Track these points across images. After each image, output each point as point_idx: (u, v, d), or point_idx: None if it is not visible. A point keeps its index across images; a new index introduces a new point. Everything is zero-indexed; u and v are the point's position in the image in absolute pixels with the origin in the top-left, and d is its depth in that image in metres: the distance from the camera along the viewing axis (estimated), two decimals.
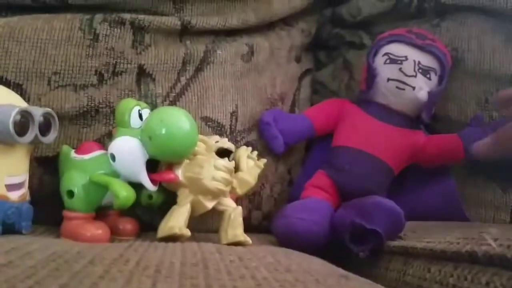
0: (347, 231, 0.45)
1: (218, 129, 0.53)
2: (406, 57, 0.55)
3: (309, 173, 0.58)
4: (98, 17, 0.50)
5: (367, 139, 0.55)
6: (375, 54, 0.57)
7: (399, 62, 0.55)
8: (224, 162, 0.46)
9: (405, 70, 0.55)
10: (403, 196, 0.55)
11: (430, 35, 0.58)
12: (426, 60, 0.55)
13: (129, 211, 0.48)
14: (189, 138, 0.43)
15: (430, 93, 0.54)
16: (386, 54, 0.56)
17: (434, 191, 0.58)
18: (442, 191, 0.57)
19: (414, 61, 0.55)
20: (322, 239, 0.48)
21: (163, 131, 0.41)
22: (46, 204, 0.45)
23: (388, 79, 0.55)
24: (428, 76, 0.55)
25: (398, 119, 0.56)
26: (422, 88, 0.55)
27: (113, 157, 0.43)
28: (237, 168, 0.50)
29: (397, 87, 0.55)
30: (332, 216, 0.50)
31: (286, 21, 0.65)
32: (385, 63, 0.56)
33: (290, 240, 0.48)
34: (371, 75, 0.56)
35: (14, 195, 0.40)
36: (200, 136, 0.48)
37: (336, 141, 0.58)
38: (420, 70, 0.55)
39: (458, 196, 0.57)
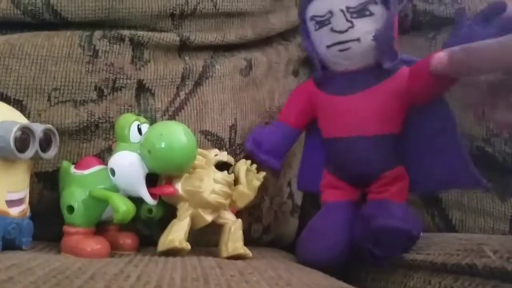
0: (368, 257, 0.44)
1: (218, 143, 0.53)
2: (331, 12, 0.46)
3: (307, 160, 0.55)
4: (98, 33, 0.51)
5: (343, 122, 0.48)
6: (304, 22, 0.49)
7: (327, 22, 0.46)
8: (223, 175, 0.46)
9: (337, 28, 0.46)
10: (411, 164, 0.48)
11: None
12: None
13: (129, 226, 0.48)
14: (188, 152, 0.43)
15: (378, 32, 0.45)
16: (311, 18, 0.48)
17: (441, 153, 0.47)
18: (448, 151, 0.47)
19: (342, 10, 0.45)
20: (338, 258, 0.47)
21: (163, 145, 0.42)
22: (46, 220, 0.45)
23: (327, 47, 0.47)
24: (367, 13, 0.45)
25: (364, 79, 0.47)
26: (368, 31, 0.45)
27: (112, 172, 0.43)
28: (236, 181, 0.50)
29: (339, 50, 0.46)
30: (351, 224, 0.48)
31: (284, 36, 0.65)
32: (315, 30, 0.48)
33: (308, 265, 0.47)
34: (309, 55, 0.50)
35: (15, 211, 0.40)
36: (200, 150, 0.48)
37: (322, 133, 0.52)
38: (354, 15, 0.45)
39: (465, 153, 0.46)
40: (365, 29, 0.45)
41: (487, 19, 0.41)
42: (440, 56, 0.39)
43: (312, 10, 0.47)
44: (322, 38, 0.47)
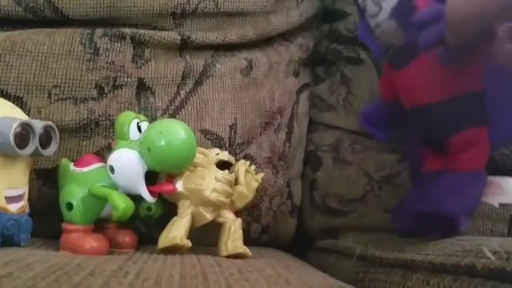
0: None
1: (217, 142, 0.53)
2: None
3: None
4: (99, 31, 0.51)
5: (417, 91, 0.50)
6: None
7: (364, 9, 0.52)
8: (224, 174, 0.46)
9: (371, 12, 0.52)
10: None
11: None
12: None
13: (128, 224, 0.48)
14: (188, 150, 0.43)
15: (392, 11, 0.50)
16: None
17: None
18: None
19: None
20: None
21: (162, 143, 0.42)
22: (45, 217, 0.45)
23: (374, 27, 0.53)
24: None
25: (412, 50, 0.49)
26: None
27: (112, 169, 0.43)
28: (235, 182, 0.50)
29: (382, 31, 0.52)
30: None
31: (285, 36, 0.66)
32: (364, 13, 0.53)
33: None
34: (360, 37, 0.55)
35: (14, 207, 0.40)
36: (201, 149, 0.48)
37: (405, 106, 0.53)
38: None
39: None
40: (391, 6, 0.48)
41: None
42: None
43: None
44: (369, 21, 0.51)
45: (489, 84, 0.47)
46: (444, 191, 0.46)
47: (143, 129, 0.45)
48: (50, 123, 0.42)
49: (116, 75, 0.51)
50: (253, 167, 0.54)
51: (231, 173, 0.50)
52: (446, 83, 0.47)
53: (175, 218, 0.44)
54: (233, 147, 0.55)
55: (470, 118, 0.47)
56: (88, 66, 0.50)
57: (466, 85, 0.47)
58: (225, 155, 0.51)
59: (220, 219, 0.46)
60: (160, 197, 0.46)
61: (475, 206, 0.46)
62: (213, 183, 0.44)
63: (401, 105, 0.55)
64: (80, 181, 0.44)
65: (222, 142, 0.54)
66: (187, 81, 0.53)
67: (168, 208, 0.47)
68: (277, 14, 0.62)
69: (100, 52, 0.50)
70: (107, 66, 0.50)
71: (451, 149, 0.48)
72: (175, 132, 0.43)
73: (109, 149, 0.49)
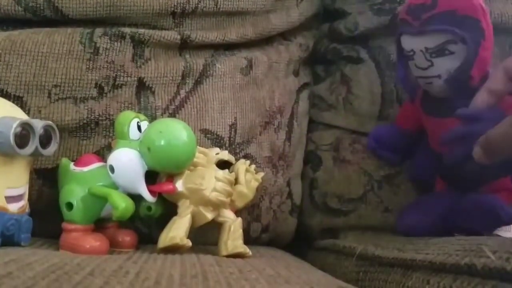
0: None
1: (217, 141, 0.53)
2: (413, 50, 0.49)
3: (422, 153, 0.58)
4: (99, 31, 0.51)
5: (437, 140, 0.51)
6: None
7: (411, 58, 0.50)
8: (225, 173, 0.46)
9: (419, 65, 0.49)
10: None
11: (428, 2, 0.48)
12: (433, 41, 0.47)
13: (128, 223, 0.48)
14: (188, 150, 0.43)
15: (449, 76, 0.47)
16: (403, 49, 0.51)
17: None
18: None
19: (421, 51, 0.48)
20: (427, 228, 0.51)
21: (162, 142, 0.42)
22: (45, 216, 0.45)
23: (416, 77, 0.51)
24: (446, 52, 0.47)
25: (454, 105, 0.47)
26: (448, 69, 0.47)
27: (112, 169, 0.43)
28: (235, 181, 0.50)
29: (425, 83, 0.50)
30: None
31: (285, 35, 0.65)
32: (408, 60, 0.51)
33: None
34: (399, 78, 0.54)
35: (14, 207, 0.40)
36: (201, 148, 0.48)
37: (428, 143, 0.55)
38: (434, 55, 0.47)
39: None
40: (445, 67, 0.47)
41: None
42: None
43: (402, 43, 0.50)
44: (412, 68, 0.51)
45: None
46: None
47: (143, 129, 0.45)
48: (50, 122, 0.42)
49: (116, 75, 0.51)
50: (253, 166, 0.54)
51: (231, 172, 0.50)
52: None
53: (175, 218, 0.44)
54: (233, 146, 0.55)
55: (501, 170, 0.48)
56: (88, 66, 0.50)
57: None
58: (225, 155, 0.51)
59: (220, 219, 0.46)
60: (160, 196, 0.46)
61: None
62: (213, 183, 0.44)
63: (416, 136, 0.57)
64: (80, 181, 0.44)
65: (222, 141, 0.54)
66: (187, 81, 0.53)
67: (168, 208, 0.47)
68: (277, 13, 0.62)
69: (100, 51, 0.50)
70: (107, 66, 0.50)
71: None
72: (175, 131, 0.43)
73: (109, 148, 0.49)
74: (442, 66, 0.47)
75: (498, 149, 0.40)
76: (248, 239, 0.48)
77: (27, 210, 0.42)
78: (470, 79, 0.47)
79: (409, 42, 0.49)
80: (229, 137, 0.54)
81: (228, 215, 0.47)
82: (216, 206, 0.45)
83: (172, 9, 0.53)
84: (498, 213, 0.46)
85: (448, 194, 0.53)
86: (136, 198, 0.44)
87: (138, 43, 0.52)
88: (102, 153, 0.49)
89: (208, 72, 0.55)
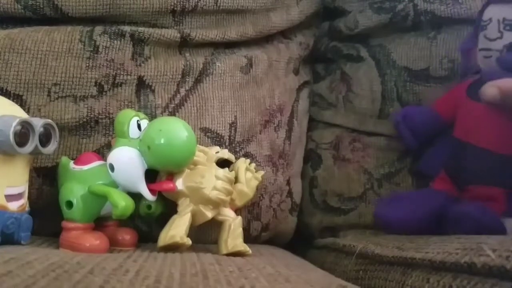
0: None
1: (217, 140, 0.53)
2: (490, 19, 0.49)
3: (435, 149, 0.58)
4: (98, 29, 0.51)
5: (476, 129, 0.50)
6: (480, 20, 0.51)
7: (484, 28, 0.49)
8: (225, 172, 0.46)
9: (489, 35, 0.49)
10: None
11: None
12: None
13: (128, 222, 0.48)
14: (188, 148, 0.43)
15: (505, 56, 0.47)
16: (480, 20, 0.51)
17: None
18: None
19: (498, 20, 0.48)
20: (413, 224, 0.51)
21: (162, 141, 0.42)
22: (45, 215, 0.45)
23: (479, 49, 0.50)
24: None
25: None
26: None
27: (111, 167, 0.43)
28: (235, 180, 0.50)
29: (484, 56, 0.49)
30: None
31: (285, 34, 0.65)
32: (481, 30, 0.50)
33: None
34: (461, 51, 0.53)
35: (14, 206, 0.40)
36: (201, 147, 0.48)
37: (455, 131, 0.54)
38: (508, 27, 0.47)
39: None
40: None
41: None
42: (492, 91, 0.43)
43: (485, 14, 0.50)
44: (480, 41, 0.50)
45: None
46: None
47: (143, 127, 0.45)
48: (49, 121, 0.42)
49: (116, 73, 0.50)
50: (253, 165, 0.54)
51: (231, 171, 0.50)
52: (505, 139, 0.48)
53: (175, 216, 0.44)
54: (233, 145, 0.55)
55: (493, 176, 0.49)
56: (87, 64, 0.50)
57: None
58: (225, 153, 0.51)
59: (220, 217, 0.46)
60: (160, 195, 0.46)
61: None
62: (213, 181, 0.44)
63: (444, 126, 0.56)
64: (80, 179, 0.44)
65: (222, 140, 0.54)
66: (187, 79, 0.53)
67: (168, 206, 0.47)
68: (277, 11, 0.62)
69: (100, 50, 0.50)
70: (107, 64, 0.50)
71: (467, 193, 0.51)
72: (175, 130, 0.43)
73: (109, 147, 0.49)
74: (509, 41, 0.47)
75: None
76: (248, 238, 0.48)
77: (27, 208, 0.42)
78: None
79: (492, 11, 0.49)
80: (229, 136, 0.54)
81: (228, 213, 0.47)
82: (216, 204, 0.45)
83: (172, 7, 0.53)
84: (484, 223, 0.45)
85: (441, 195, 0.53)
86: (136, 196, 0.44)
87: (138, 42, 0.52)
88: (102, 152, 0.49)
89: (208, 71, 0.55)
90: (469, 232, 0.44)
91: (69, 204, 0.43)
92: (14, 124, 0.38)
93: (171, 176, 0.45)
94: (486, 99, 0.44)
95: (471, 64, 0.53)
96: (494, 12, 0.49)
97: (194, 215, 0.45)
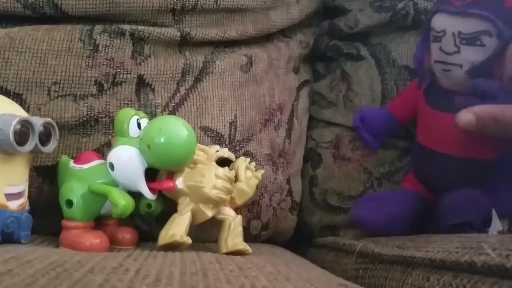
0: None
1: (217, 139, 0.53)
2: (444, 31, 0.47)
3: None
4: (98, 28, 0.51)
5: (435, 136, 0.50)
6: (428, 29, 0.50)
7: (438, 40, 0.48)
8: (225, 171, 0.46)
9: (445, 48, 0.47)
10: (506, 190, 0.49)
11: None
12: (469, 26, 0.45)
13: (128, 221, 0.48)
14: (188, 147, 0.43)
15: (473, 68, 0.45)
16: (431, 29, 0.49)
17: None
18: None
19: (453, 34, 0.46)
20: (389, 225, 0.51)
21: (162, 140, 0.42)
22: (45, 214, 0.45)
23: (434, 61, 0.49)
24: (477, 43, 0.45)
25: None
26: (472, 61, 0.45)
27: (111, 166, 0.43)
28: (235, 179, 0.50)
29: (442, 69, 0.48)
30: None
31: (285, 32, 0.65)
32: (431, 41, 0.49)
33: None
34: (415, 62, 0.53)
35: (14, 205, 0.40)
36: (201, 146, 0.48)
37: (417, 136, 0.54)
38: (464, 41, 0.45)
39: None
40: (470, 58, 0.46)
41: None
42: (468, 118, 0.42)
43: (433, 22, 0.49)
44: (433, 51, 0.49)
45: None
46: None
47: (143, 126, 0.45)
48: (49, 120, 0.42)
49: (116, 72, 0.50)
50: (253, 164, 0.54)
51: (231, 170, 0.50)
52: (468, 144, 0.48)
53: (175, 215, 0.44)
54: (233, 144, 0.55)
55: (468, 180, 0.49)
56: (87, 63, 0.50)
57: (480, 152, 0.48)
58: (225, 152, 0.51)
59: (220, 216, 0.46)
60: (160, 194, 0.46)
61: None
62: (213, 180, 0.44)
63: (401, 127, 0.58)
64: (80, 178, 0.44)
65: (222, 139, 0.54)
66: (187, 78, 0.53)
67: (168, 205, 0.47)
68: (277, 10, 0.62)
69: (100, 48, 0.50)
70: (107, 63, 0.50)
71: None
72: (174, 129, 0.43)
73: (108, 146, 0.49)
74: (467, 56, 0.46)
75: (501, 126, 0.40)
76: (248, 237, 0.48)
77: (27, 207, 0.42)
78: (493, 76, 0.46)
79: (443, 22, 0.47)
80: (229, 135, 0.54)
81: (228, 212, 0.47)
82: (216, 203, 0.45)
83: (172, 6, 0.53)
84: (473, 203, 0.45)
85: (414, 194, 0.53)
86: (136, 195, 0.44)
87: (138, 40, 0.52)
88: (102, 151, 0.49)
89: (208, 69, 0.55)
90: (460, 215, 0.44)
91: (69, 203, 0.43)
92: (14, 123, 0.38)
93: (171, 175, 0.45)
94: (462, 125, 0.43)
95: (426, 72, 0.52)
96: (446, 24, 0.47)
97: (194, 214, 0.45)
